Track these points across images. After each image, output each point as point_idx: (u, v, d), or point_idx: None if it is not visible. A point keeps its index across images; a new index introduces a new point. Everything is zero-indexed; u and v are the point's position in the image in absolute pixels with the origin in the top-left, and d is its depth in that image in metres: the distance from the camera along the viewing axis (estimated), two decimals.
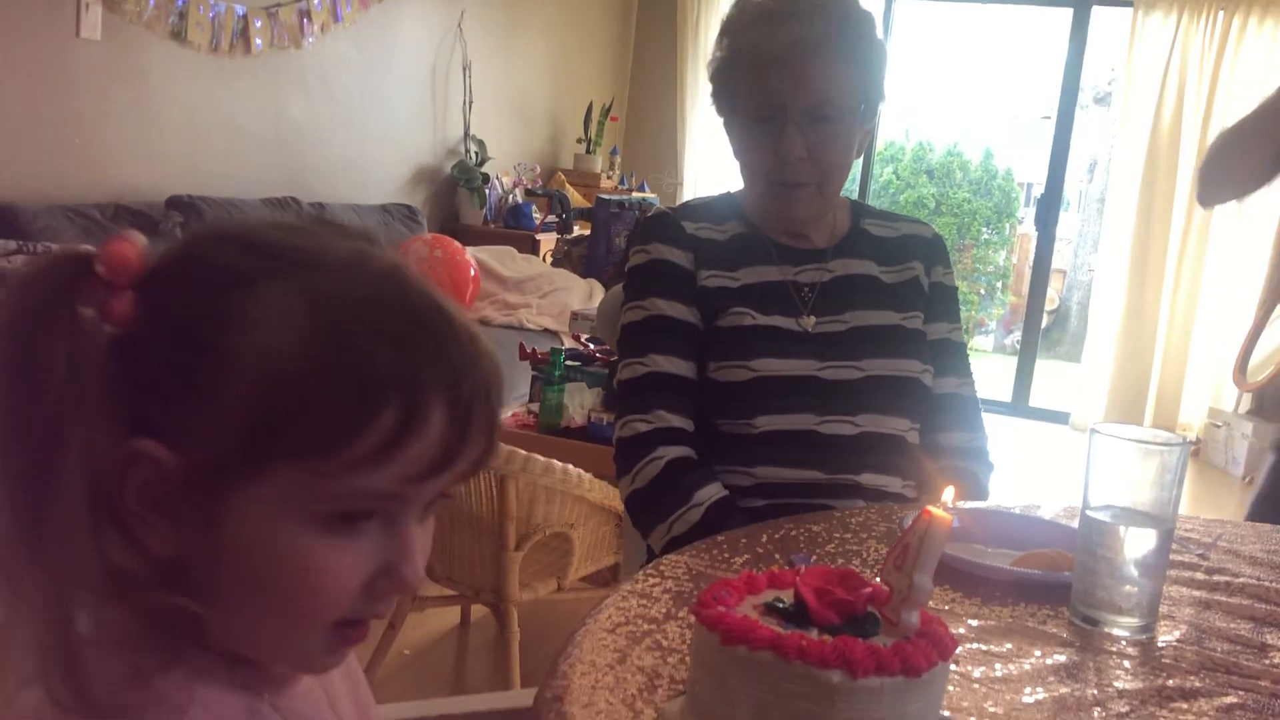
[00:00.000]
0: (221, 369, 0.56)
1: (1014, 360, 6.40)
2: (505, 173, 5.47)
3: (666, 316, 1.52)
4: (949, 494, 0.77)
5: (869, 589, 0.74)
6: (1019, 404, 6.16)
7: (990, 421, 1.67)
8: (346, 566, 0.59)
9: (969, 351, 1.69)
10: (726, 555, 1.12)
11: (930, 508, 0.73)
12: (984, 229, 9.36)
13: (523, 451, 2.29)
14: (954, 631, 0.96)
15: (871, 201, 7.09)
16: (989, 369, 6.84)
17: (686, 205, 1.64)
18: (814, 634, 0.70)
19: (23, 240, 2.89)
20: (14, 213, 2.97)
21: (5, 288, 0.59)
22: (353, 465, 0.56)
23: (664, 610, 0.96)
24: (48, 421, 0.56)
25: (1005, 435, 5.25)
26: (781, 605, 0.74)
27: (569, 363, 2.91)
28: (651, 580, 1.03)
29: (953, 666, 0.90)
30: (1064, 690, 0.88)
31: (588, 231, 5.08)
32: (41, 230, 2.98)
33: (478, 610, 2.86)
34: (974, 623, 1.00)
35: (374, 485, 0.58)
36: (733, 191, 1.65)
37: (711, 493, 1.42)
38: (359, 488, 0.58)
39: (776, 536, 1.20)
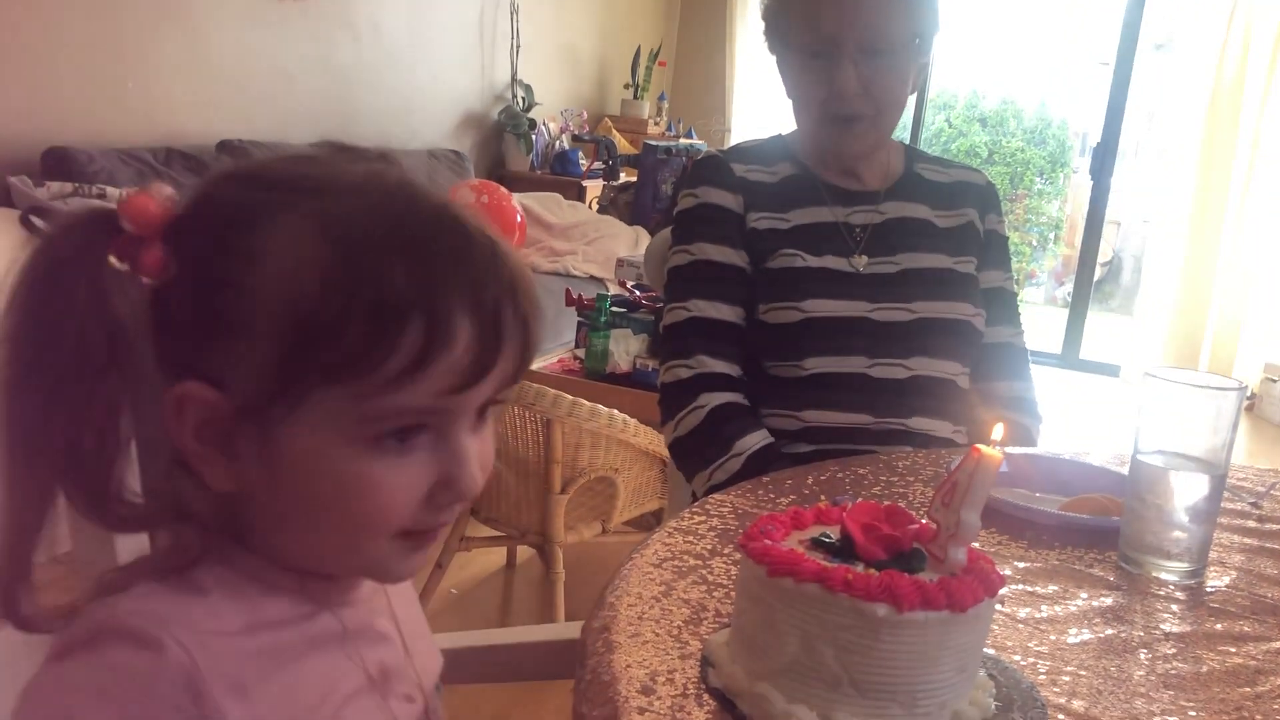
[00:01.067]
0: (248, 305, 0.57)
1: (1065, 313, 6.31)
2: (552, 118, 5.45)
3: (712, 261, 1.51)
4: (998, 432, 0.76)
5: (916, 525, 0.74)
6: (1069, 356, 6.08)
7: (1040, 374, 1.66)
8: (402, 482, 0.61)
9: (1020, 303, 1.67)
10: (772, 496, 1.13)
11: (979, 445, 0.73)
12: (1037, 179, 9.19)
13: (569, 396, 2.30)
14: (1001, 573, 0.96)
15: (923, 149, 6.98)
16: (1040, 321, 6.74)
17: (736, 148, 1.63)
18: (860, 568, 0.71)
19: (79, 183, 2.94)
20: (69, 155, 3.01)
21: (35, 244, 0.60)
22: (388, 384, 0.57)
23: (709, 547, 0.97)
24: (95, 374, 0.58)
25: (1055, 388, 5.19)
26: (828, 540, 0.75)
27: (614, 309, 2.91)
28: (698, 518, 1.04)
29: (998, 607, 0.91)
30: (1110, 632, 0.88)
31: (634, 178, 5.05)
32: (96, 173, 3.02)
33: (523, 552, 2.89)
34: (1020, 564, 1.00)
35: (413, 401, 0.59)
36: (784, 133, 1.63)
37: (753, 441, 1.42)
38: (399, 405, 0.58)
39: (822, 479, 1.20)
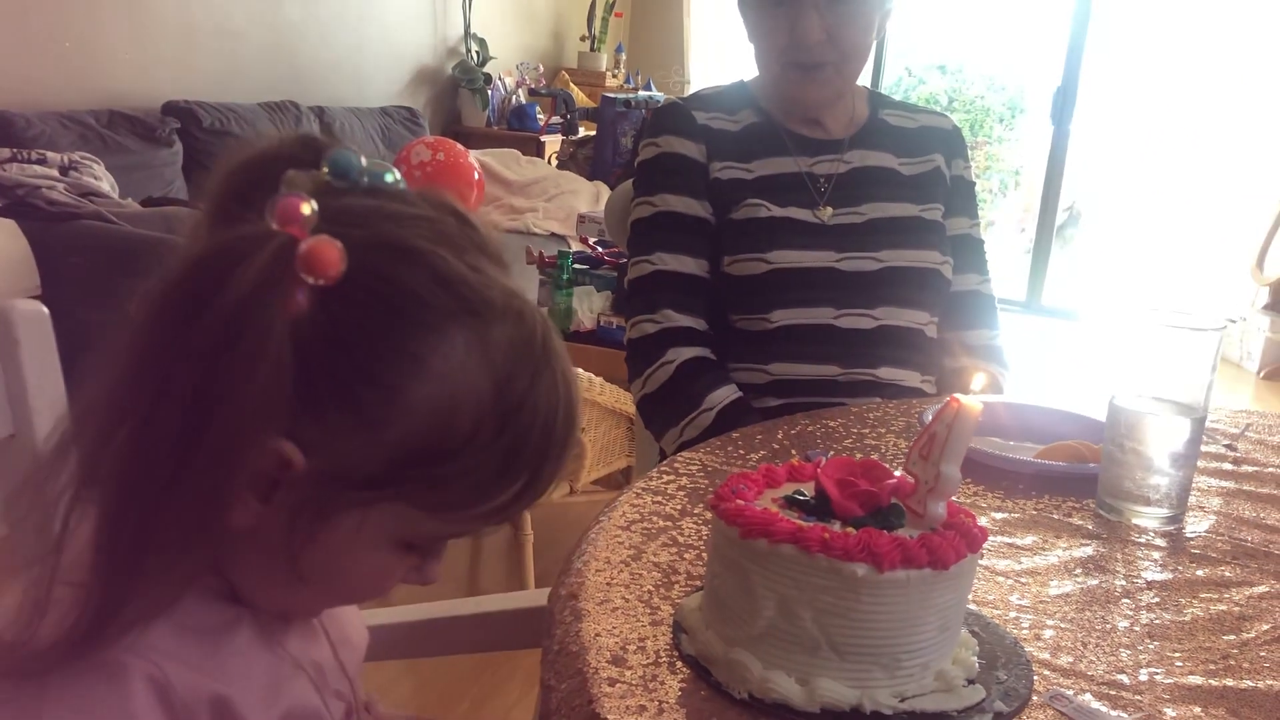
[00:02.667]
0: (392, 408, 0.56)
1: (1027, 259, 6.32)
2: (508, 73, 5.35)
3: (675, 213, 1.47)
4: (979, 381, 0.73)
5: (893, 480, 0.71)
6: (1032, 302, 6.10)
7: (1004, 320, 1.64)
8: (396, 573, 0.64)
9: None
10: (742, 452, 1.10)
11: (958, 396, 0.70)
12: (995, 126, 9.18)
13: None
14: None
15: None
16: (1001, 268, 6.76)
17: (698, 95, 1.58)
18: (837, 526, 0.68)
19: (17, 148, 2.83)
20: (7, 120, 2.91)
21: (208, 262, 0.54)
22: (466, 521, 0.61)
23: (679, 507, 0.94)
24: (211, 391, 0.53)
25: (1019, 333, 5.21)
26: (802, 498, 0.72)
27: (577, 266, 2.87)
28: (666, 478, 1.01)
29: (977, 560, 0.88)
30: (1091, 582, 0.86)
31: (593, 132, 4.98)
32: (35, 138, 2.92)
33: None
34: (998, 516, 0.98)
35: (466, 528, 0.63)
36: (745, 80, 1.58)
37: (723, 396, 1.39)
38: (454, 530, 0.62)
39: (793, 432, 1.17)
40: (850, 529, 0.67)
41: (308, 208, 0.55)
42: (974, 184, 1.63)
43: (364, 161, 0.61)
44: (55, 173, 2.80)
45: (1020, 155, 9.36)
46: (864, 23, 1.43)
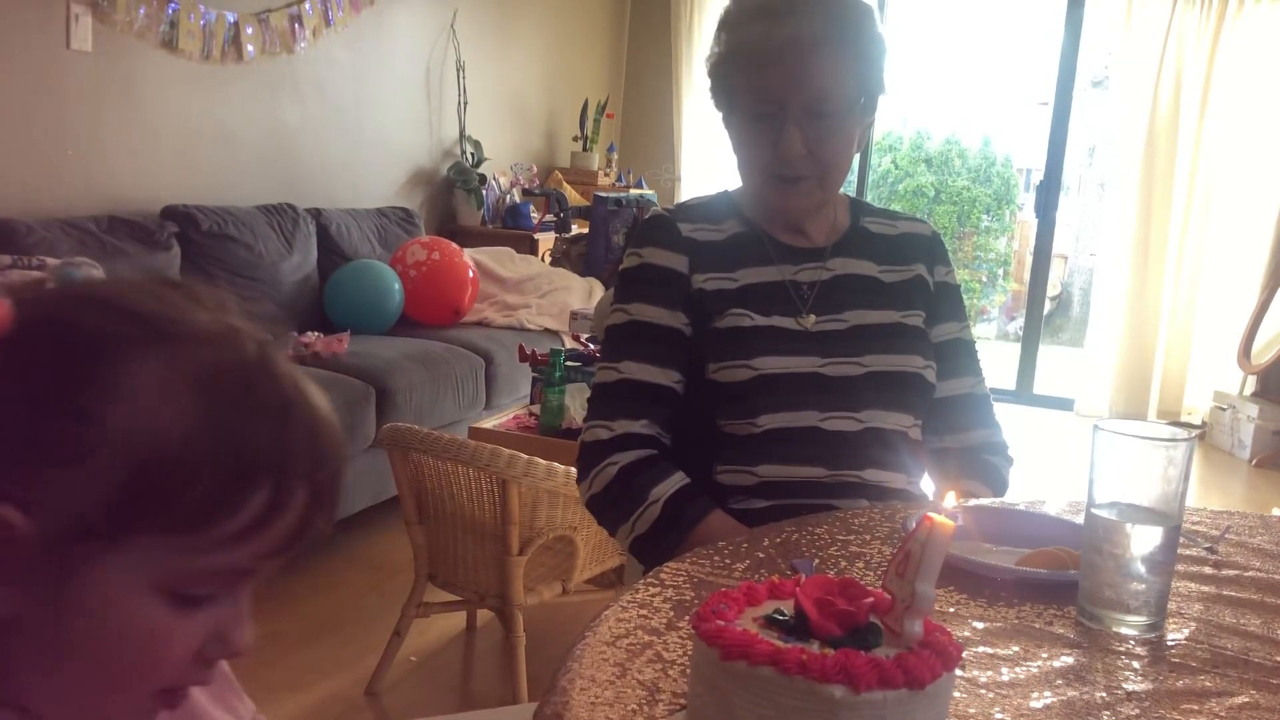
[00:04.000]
0: (90, 438, 0.55)
1: (1017, 347, 6.38)
2: (502, 172, 5.46)
3: (648, 323, 1.50)
4: (950, 499, 0.75)
5: (870, 598, 0.72)
6: (1023, 391, 6.14)
7: (995, 409, 1.67)
8: (183, 638, 0.60)
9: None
10: (728, 562, 1.11)
11: (931, 514, 0.72)
12: (984, 216, 9.34)
13: (524, 456, 2.27)
14: (959, 634, 0.95)
15: (870, 191, 7.06)
16: (992, 357, 6.80)
17: (683, 206, 1.63)
18: (815, 646, 0.69)
19: (18, 255, 2.88)
20: (9, 227, 2.96)
21: None
22: (216, 544, 0.57)
23: (665, 620, 0.95)
24: None
25: (1010, 423, 5.22)
26: (782, 617, 0.73)
27: (569, 363, 2.89)
28: (652, 590, 1.02)
29: (959, 671, 0.89)
30: (1072, 693, 0.86)
31: (586, 230, 5.06)
32: (36, 244, 2.96)
33: (483, 615, 2.84)
34: (979, 625, 0.99)
35: (232, 562, 0.59)
36: (730, 190, 1.63)
37: (668, 487, 1.41)
38: (217, 564, 0.58)
39: (778, 540, 1.19)
40: (828, 649, 0.68)
41: None
42: (958, 287, 1.67)
43: (82, 274, 0.63)
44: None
45: (1008, 245, 9.51)
46: (845, 136, 1.48)
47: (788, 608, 0.74)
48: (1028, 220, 8.65)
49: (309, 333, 3.66)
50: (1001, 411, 1.70)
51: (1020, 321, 7.00)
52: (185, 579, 0.58)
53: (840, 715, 0.65)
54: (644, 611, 0.97)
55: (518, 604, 2.39)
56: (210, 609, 0.60)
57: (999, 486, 1.55)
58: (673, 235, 1.54)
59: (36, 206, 3.17)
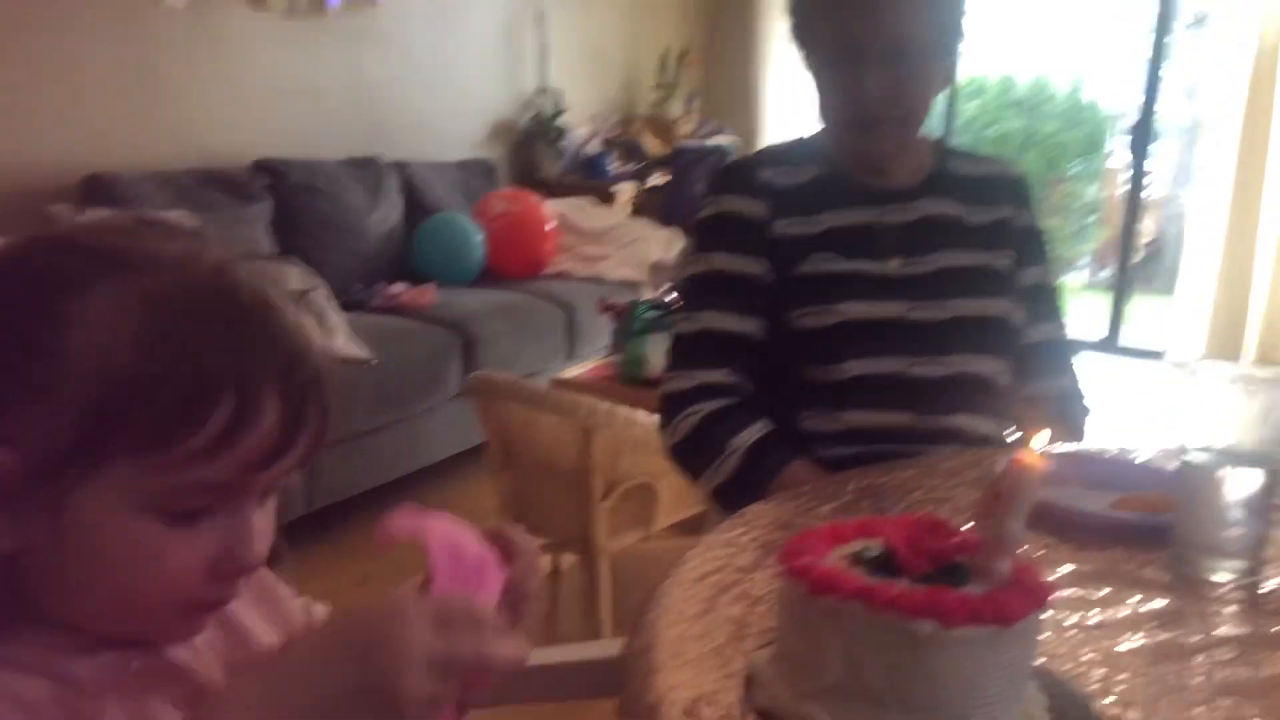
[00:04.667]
0: (55, 369, 0.57)
1: (1106, 296, 6.22)
2: (582, 123, 5.45)
3: (726, 272, 1.50)
4: (1042, 439, 0.74)
5: (958, 537, 0.73)
6: (1112, 341, 5.98)
7: (1083, 360, 1.64)
8: (185, 555, 0.61)
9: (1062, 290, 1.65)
10: (814, 504, 1.11)
11: (1022, 453, 0.71)
12: (1074, 162, 9.07)
13: (606, 404, 2.30)
14: (1048, 578, 0.94)
15: (957, 137, 6.92)
16: (1081, 306, 6.65)
17: (763, 151, 1.62)
18: (904, 583, 0.69)
19: (119, 208, 2.98)
20: (109, 182, 3.05)
21: None
22: (190, 459, 0.58)
23: (751, 559, 0.96)
24: None
25: (1098, 373, 5.11)
26: (870, 555, 0.73)
27: (649, 314, 2.90)
28: (738, 530, 1.03)
29: (1047, 613, 0.89)
30: (1164, 636, 0.86)
31: (667, 180, 5.04)
32: (134, 198, 3.06)
33: (568, 559, 2.89)
34: (1069, 568, 0.98)
35: (212, 476, 0.59)
36: (811, 135, 1.61)
37: (748, 436, 1.42)
38: (197, 480, 0.59)
39: (864, 485, 1.19)
40: (917, 586, 0.68)
41: None
42: (1043, 231, 1.63)
43: None
44: None
45: (1098, 191, 9.23)
46: (926, 79, 1.45)
47: (875, 546, 0.75)
48: (1119, 166, 8.39)
49: (396, 284, 3.72)
50: (1090, 361, 1.67)
51: (1110, 270, 6.81)
52: (169, 496, 0.59)
53: (929, 651, 0.66)
54: (730, 550, 0.98)
55: (601, 549, 2.42)
56: (210, 525, 0.61)
57: (1077, 435, 1.53)
58: (750, 181, 1.53)
59: (135, 161, 3.27)
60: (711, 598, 0.89)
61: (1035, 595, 0.69)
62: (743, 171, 1.55)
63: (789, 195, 1.53)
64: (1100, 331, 6.01)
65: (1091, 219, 9.28)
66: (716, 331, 1.49)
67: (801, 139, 1.62)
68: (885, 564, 0.72)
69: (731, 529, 1.03)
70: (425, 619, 0.54)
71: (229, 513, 0.62)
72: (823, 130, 1.57)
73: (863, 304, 1.47)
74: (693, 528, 2.66)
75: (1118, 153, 8.79)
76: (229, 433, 0.58)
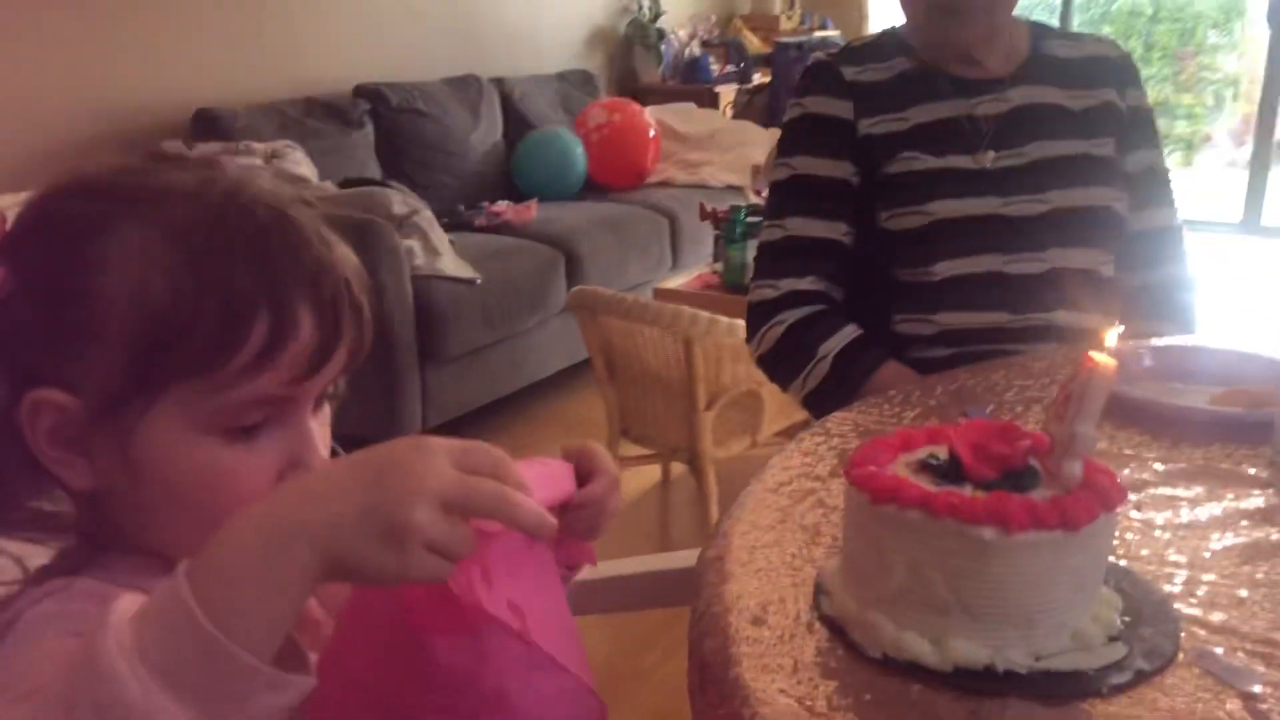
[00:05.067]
0: (98, 312, 0.59)
1: (1245, 175, 5.87)
2: (681, 25, 5.35)
3: (811, 176, 1.47)
4: (1112, 338, 0.72)
5: (1028, 441, 0.71)
6: (1251, 222, 5.67)
7: (1218, 243, 1.56)
8: (253, 469, 0.63)
9: (1193, 170, 1.56)
10: (897, 410, 1.10)
11: (1092, 354, 0.69)
12: (1210, 32, 8.51)
13: (706, 314, 2.30)
14: (1138, 477, 0.92)
15: (1078, 13, 6.55)
16: (1217, 186, 6.31)
17: (847, 48, 1.56)
18: (969, 490, 0.68)
19: (227, 141, 3.06)
20: (217, 116, 3.14)
21: None
22: (236, 377, 0.60)
23: (829, 468, 0.96)
24: None
25: (1235, 257, 4.86)
26: (936, 462, 0.72)
27: (750, 219, 2.86)
28: (818, 439, 1.03)
29: (1134, 514, 0.87)
30: (1258, 535, 0.83)
31: (768, 79, 4.93)
32: (243, 130, 3.14)
33: (677, 467, 2.93)
34: (1160, 467, 0.95)
35: (261, 391, 0.61)
36: (897, 26, 1.55)
37: (837, 341, 1.40)
38: (248, 396, 0.61)
39: (952, 388, 1.17)
40: (980, 493, 0.67)
41: None
42: (1152, 111, 1.55)
43: None
44: (261, 162, 3.01)
45: (1238, 64, 8.66)
46: None
47: (943, 453, 0.73)
48: (1259, 34, 7.84)
49: (499, 202, 3.75)
50: (1227, 244, 1.59)
51: (1249, 148, 6.41)
52: (225, 415, 0.61)
53: (992, 557, 0.65)
54: (808, 460, 0.98)
55: (707, 457, 2.45)
56: (269, 438, 0.63)
57: (1190, 325, 1.47)
58: (835, 81, 1.49)
59: (239, 94, 3.35)
60: (787, 507, 0.89)
61: (1105, 498, 0.67)
62: (826, 70, 1.51)
63: (876, 91, 1.48)
64: (1237, 213, 5.71)
65: (1229, 94, 8.73)
66: (802, 238, 1.47)
67: (888, 30, 1.57)
68: (951, 471, 0.71)
69: (812, 438, 1.03)
70: (447, 454, 0.53)
71: (286, 424, 0.64)
72: (908, 20, 1.51)
73: (954, 202, 1.42)
74: (800, 434, 2.66)
75: (1256, 22, 8.20)
76: (269, 347, 0.60)
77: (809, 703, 0.64)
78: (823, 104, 1.48)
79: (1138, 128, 1.51)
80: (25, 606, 0.59)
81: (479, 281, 3.06)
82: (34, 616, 0.58)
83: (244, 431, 0.63)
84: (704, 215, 3.04)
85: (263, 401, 0.62)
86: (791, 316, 1.44)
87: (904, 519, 0.67)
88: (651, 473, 2.95)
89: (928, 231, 1.42)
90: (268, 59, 3.50)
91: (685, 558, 1.05)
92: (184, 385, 0.60)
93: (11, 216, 0.64)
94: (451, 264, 3.04)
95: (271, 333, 0.60)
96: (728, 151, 4.38)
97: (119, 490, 0.63)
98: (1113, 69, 1.51)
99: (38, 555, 0.67)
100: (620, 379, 2.54)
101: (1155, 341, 1.26)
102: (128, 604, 0.50)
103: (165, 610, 0.48)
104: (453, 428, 3.15)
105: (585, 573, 0.75)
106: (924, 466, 0.73)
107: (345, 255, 0.65)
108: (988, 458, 0.70)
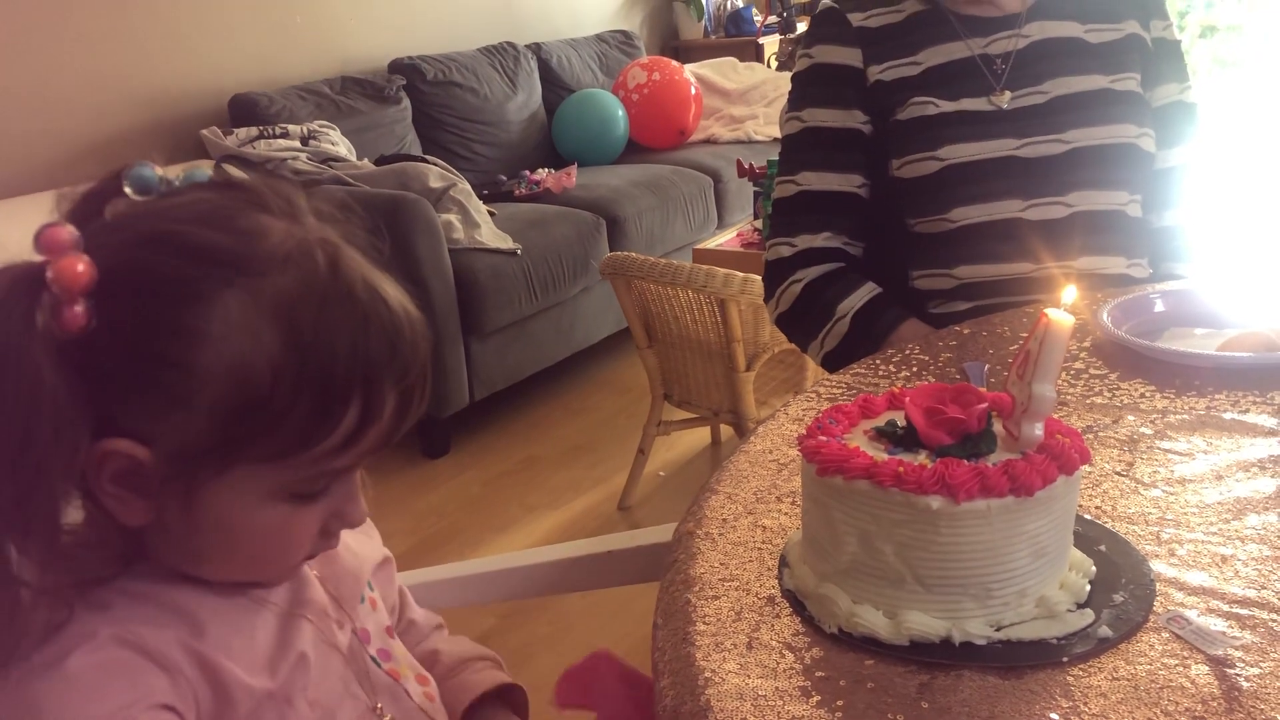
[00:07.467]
0: (189, 381, 0.58)
1: None
2: None
3: (823, 128, 1.43)
4: (1069, 295, 0.69)
5: (984, 404, 0.68)
6: None
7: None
8: (306, 525, 0.65)
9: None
10: (893, 370, 1.07)
11: (1048, 310, 0.66)
12: None
13: (740, 274, 2.26)
14: (1135, 430, 0.88)
15: None
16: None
17: None
18: (922, 457, 0.66)
19: (263, 125, 3.09)
20: (252, 100, 3.17)
21: None
22: (318, 457, 0.61)
23: None
24: (14, 423, 0.57)
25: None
26: (893, 429, 0.70)
27: None
28: (808, 403, 1.00)
29: (1124, 469, 0.83)
30: (1254, 486, 0.79)
31: None
32: (278, 113, 3.17)
33: (726, 429, 2.91)
34: (1160, 419, 0.91)
35: (336, 466, 0.63)
36: None
37: (856, 300, 1.37)
38: (321, 471, 0.63)
39: (953, 343, 1.13)
40: (930, 460, 0.65)
41: (66, 233, 0.58)
42: (1179, 42, 1.48)
43: (158, 171, 0.63)
44: (297, 144, 3.04)
45: None
46: None
47: (903, 419, 0.71)
48: None
49: (540, 169, 3.74)
50: None
51: None
52: (298, 485, 0.63)
53: (940, 526, 0.63)
54: (795, 426, 0.96)
55: (751, 417, 2.42)
56: (326, 495, 0.65)
57: (1217, 266, 1.40)
58: (842, 28, 1.44)
59: (273, 77, 3.38)
60: (768, 476, 0.87)
61: (1064, 460, 0.64)
62: (834, 18, 1.46)
63: (885, 36, 1.43)
64: None
65: None
66: (815, 192, 1.43)
67: None
68: (906, 438, 0.69)
69: (801, 403, 1.01)
70: None
71: (341, 482, 0.66)
72: None
73: (967, 145, 1.37)
74: None
75: None
76: (356, 432, 0.61)
77: (757, 681, 0.63)
78: (830, 53, 1.44)
79: (1164, 59, 1.44)
80: (76, 618, 0.60)
81: (518, 252, 3.06)
82: (91, 658, 0.59)
83: (309, 496, 0.64)
84: (741, 172, 2.99)
85: (334, 473, 0.64)
86: (808, 274, 1.41)
87: (852, 490, 0.65)
88: (702, 435, 2.94)
89: (941, 177, 1.38)
90: (301, 40, 3.52)
91: (658, 533, 1.04)
92: (260, 458, 0.61)
93: (54, 206, 0.62)
94: (490, 236, 3.05)
95: (360, 420, 0.61)
96: (771, 104, 4.31)
97: (172, 530, 0.63)
98: None
99: None
100: (659, 343, 2.53)
101: (1165, 285, 1.21)
102: None
103: None
104: (502, 398, 3.17)
105: (553, 554, 0.75)
106: (880, 434, 0.70)
107: (427, 339, 0.66)
108: (941, 423, 0.68)
